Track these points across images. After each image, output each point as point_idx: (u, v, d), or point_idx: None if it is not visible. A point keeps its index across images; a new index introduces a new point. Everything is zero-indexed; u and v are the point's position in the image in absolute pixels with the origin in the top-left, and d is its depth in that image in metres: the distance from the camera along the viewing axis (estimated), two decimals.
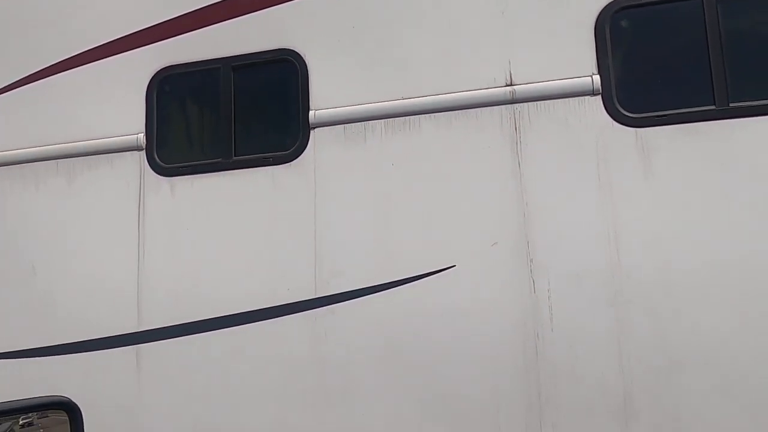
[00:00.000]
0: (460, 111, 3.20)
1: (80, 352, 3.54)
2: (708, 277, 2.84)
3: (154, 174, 3.55)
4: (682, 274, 2.87)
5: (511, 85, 3.17)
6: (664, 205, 2.93)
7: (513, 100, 3.15)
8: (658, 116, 3.00)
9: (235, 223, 3.41)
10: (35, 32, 3.81)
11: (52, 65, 3.75)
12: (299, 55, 3.40)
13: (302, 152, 3.35)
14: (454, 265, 3.12)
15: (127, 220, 3.54)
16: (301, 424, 3.18)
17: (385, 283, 3.20)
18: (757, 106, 2.88)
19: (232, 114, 3.48)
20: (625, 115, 3.03)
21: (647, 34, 3.15)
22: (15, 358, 3.63)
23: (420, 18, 3.32)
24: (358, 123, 3.32)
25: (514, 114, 3.15)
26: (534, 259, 3.04)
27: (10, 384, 3.52)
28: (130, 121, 3.60)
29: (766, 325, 2.79)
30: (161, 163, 3.56)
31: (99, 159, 3.62)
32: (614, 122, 3.03)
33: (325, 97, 3.36)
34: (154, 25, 3.61)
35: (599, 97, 3.06)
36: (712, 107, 2.93)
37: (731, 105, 2.91)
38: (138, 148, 3.59)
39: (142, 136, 3.58)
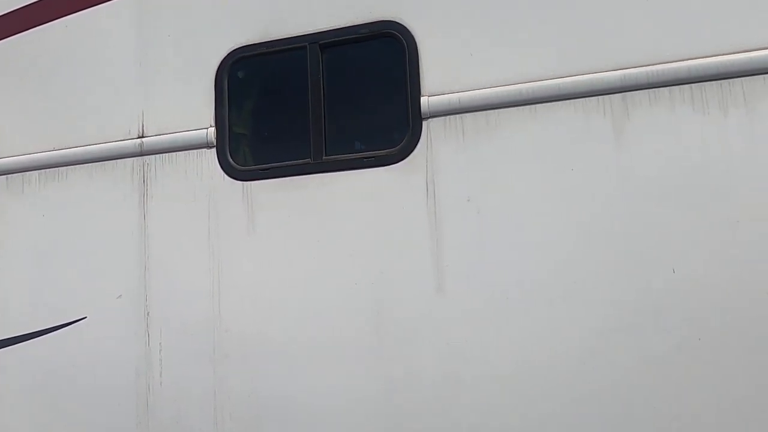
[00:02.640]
0: (99, 163, 3.24)
1: None
2: (299, 334, 2.83)
3: None
4: (278, 330, 2.86)
5: (141, 137, 3.19)
6: (264, 260, 2.91)
7: (142, 153, 3.17)
8: (261, 170, 2.98)
9: None
10: None
11: None
12: None
13: None
14: (86, 317, 3.18)
15: None
16: None
17: (35, 332, 3.28)
18: (348, 159, 2.84)
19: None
20: (234, 168, 3.02)
21: (260, 85, 3.12)
22: None
23: (72, 68, 3.36)
24: (18, 174, 3.40)
25: (143, 166, 3.17)
26: (150, 312, 3.07)
27: None
28: None
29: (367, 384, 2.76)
30: None
31: None
32: (225, 175, 3.02)
33: None
34: None
35: (214, 150, 3.05)
36: (309, 161, 2.90)
37: (325, 159, 2.87)
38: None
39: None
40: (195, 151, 3.07)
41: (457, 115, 2.70)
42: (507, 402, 2.54)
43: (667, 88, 2.46)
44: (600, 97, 2.52)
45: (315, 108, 2.90)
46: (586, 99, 2.54)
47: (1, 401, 3.29)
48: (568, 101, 2.56)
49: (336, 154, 2.86)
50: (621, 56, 2.52)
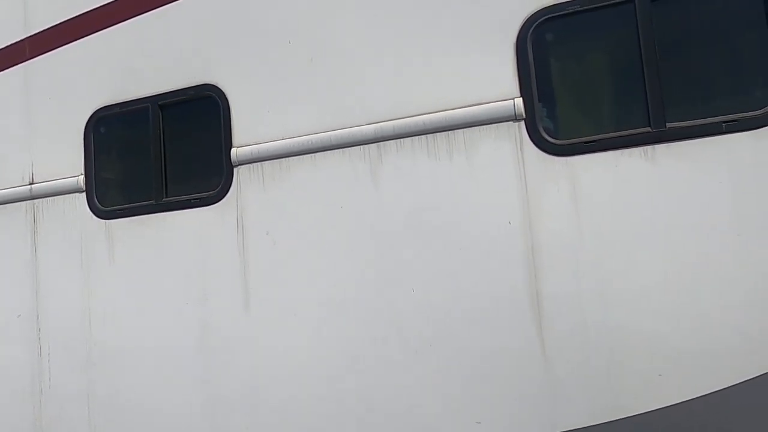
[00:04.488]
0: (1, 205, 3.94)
1: None
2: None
3: None
4: (129, 341, 3.50)
5: (31, 183, 3.86)
6: (120, 284, 3.55)
7: (32, 197, 3.84)
8: (119, 209, 3.61)
9: None
10: None
11: None
12: None
13: None
14: None
15: None
16: None
17: None
18: (180, 200, 3.44)
19: None
20: (100, 208, 3.65)
21: (116, 139, 3.74)
22: None
23: None
24: None
25: (34, 208, 3.84)
26: (41, 328, 3.75)
27: None
28: None
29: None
30: None
31: None
32: (93, 216, 3.65)
33: None
34: None
35: (84, 194, 3.69)
36: (152, 201, 3.51)
37: (164, 200, 3.48)
38: None
39: None
40: (70, 195, 3.72)
41: (258, 163, 3.27)
42: (304, 392, 3.11)
43: (409, 138, 2.97)
44: (361, 146, 3.05)
45: (157, 156, 3.52)
46: (351, 148, 3.07)
47: None
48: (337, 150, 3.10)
49: (172, 196, 3.47)
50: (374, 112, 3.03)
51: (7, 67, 3.97)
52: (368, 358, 2.97)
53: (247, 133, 3.30)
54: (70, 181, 3.72)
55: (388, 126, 3.00)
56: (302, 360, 3.11)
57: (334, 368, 3.04)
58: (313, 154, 3.14)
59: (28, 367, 3.75)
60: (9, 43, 3.96)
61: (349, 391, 2.99)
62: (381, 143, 3.01)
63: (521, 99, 2.79)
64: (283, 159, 3.20)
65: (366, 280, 2.99)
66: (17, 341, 3.80)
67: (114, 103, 3.63)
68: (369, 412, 2.94)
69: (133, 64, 3.59)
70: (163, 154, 3.51)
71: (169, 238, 3.44)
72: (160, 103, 3.51)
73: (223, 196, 3.32)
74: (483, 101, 2.85)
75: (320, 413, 3.05)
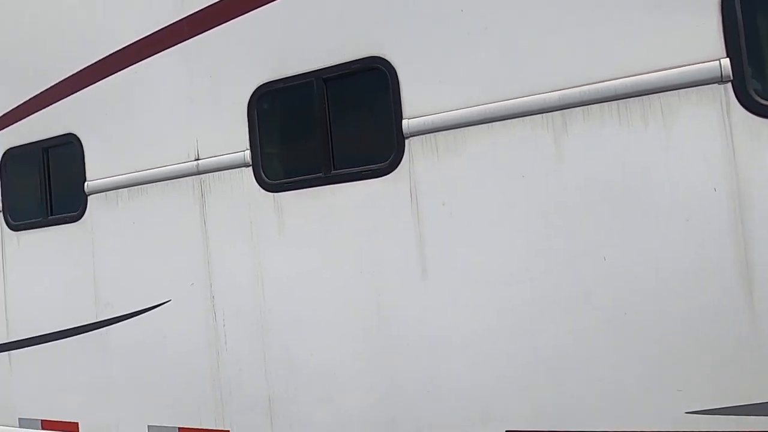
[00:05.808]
0: (168, 181, 4.15)
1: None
2: None
3: None
4: (304, 309, 3.68)
5: (197, 159, 4.03)
6: (291, 255, 3.70)
7: (199, 172, 4.02)
8: (287, 183, 3.73)
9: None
10: None
11: None
12: None
13: None
14: (170, 300, 4.16)
15: None
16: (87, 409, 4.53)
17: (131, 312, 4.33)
18: (350, 173, 3.52)
19: None
20: (267, 182, 3.78)
21: (280, 113, 3.83)
22: None
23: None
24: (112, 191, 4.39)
25: (201, 183, 4.02)
26: (214, 296, 3.98)
27: None
28: None
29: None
30: None
31: None
32: (261, 189, 3.80)
33: None
34: None
35: (251, 168, 3.83)
36: (321, 175, 3.60)
37: (334, 172, 3.57)
38: None
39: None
40: (236, 169, 3.88)
41: (432, 134, 3.29)
42: (485, 364, 3.19)
43: (598, 104, 2.90)
44: (543, 114, 3.01)
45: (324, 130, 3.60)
46: (532, 116, 3.04)
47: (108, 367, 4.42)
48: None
49: (340, 169, 3.56)
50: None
51: (167, 48, 4.13)
52: (557, 330, 3.00)
53: (418, 105, 3.31)
54: (237, 156, 3.87)
55: (574, 92, 2.94)
56: (483, 332, 3.17)
57: (520, 341, 3.09)
58: (490, 124, 3.13)
59: (203, 332, 4.02)
60: (167, 24, 4.10)
61: (535, 364, 3.04)
62: (566, 110, 2.96)
63: (728, 59, 2.67)
64: (459, 129, 3.21)
65: (553, 250, 3.00)
66: (192, 308, 4.06)
67: (277, 78, 3.73)
68: (559, 386, 2.99)
69: (295, 39, 3.66)
70: (329, 127, 3.58)
71: (339, 209, 3.54)
72: (324, 77, 3.58)
73: (395, 168, 3.37)
74: (683, 63, 2.75)
75: (501, 386, 3.12)
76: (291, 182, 3.72)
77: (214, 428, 4.00)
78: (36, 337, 4.80)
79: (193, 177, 4.05)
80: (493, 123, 3.12)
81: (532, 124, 3.03)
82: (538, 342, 3.05)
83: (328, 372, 3.57)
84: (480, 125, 3.15)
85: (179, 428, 4.16)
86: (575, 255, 2.95)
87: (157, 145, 4.20)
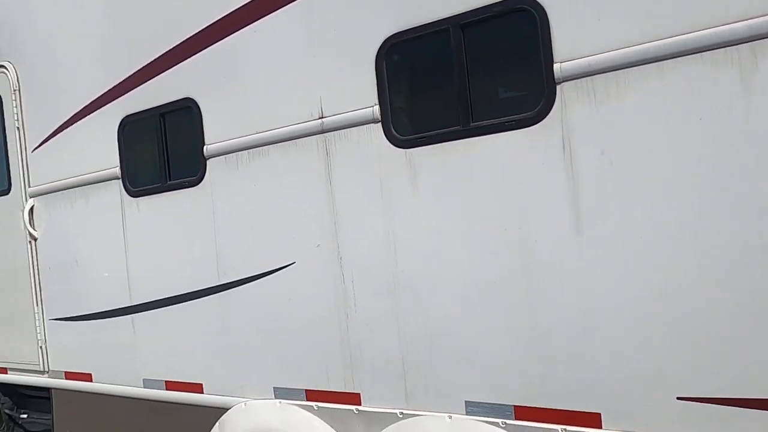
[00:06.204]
0: (291, 141, 4.06)
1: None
2: None
3: None
4: (441, 269, 3.52)
5: (322, 117, 3.92)
6: (427, 213, 3.54)
7: (323, 130, 3.91)
8: (419, 138, 3.55)
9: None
10: None
11: None
12: None
13: None
14: (294, 262, 4.11)
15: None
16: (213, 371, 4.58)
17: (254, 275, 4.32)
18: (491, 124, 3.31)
19: None
20: (398, 138, 3.62)
21: (412, 65, 3.63)
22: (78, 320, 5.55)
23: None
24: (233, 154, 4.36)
25: (326, 142, 3.92)
26: (342, 257, 3.89)
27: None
28: None
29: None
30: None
31: None
32: (391, 145, 3.65)
33: None
34: None
35: (380, 124, 3.68)
36: (459, 127, 3.41)
37: (473, 124, 3.36)
38: None
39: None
40: (364, 126, 3.75)
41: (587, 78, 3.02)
42: (642, 324, 2.96)
43: None
44: (726, 49, 2.69)
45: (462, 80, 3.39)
46: (711, 52, 2.72)
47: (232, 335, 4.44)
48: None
49: (480, 120, 3.35)
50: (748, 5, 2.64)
51: (287, 3, 4.02)
52: (729, 287, 2.72)
53: (571, 47, 3.04)
54: (364, 112, 3.74)
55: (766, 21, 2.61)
56: (647, 293, 2.93)
57: (693, 303, 2.83)
58: (658, 63, 2.84)
59: (331, 294, 3.95)
60: None
61: (709, 329, 2.78)
62: (756, 42, 2.64)
63: None
64: (620, 71, 2.94)
65: (730, 202, 2.71)
66: (318, 270, 4.00)
67: (408, 28, 3.53)
68: (736, 352, 2.72)
69: None
70: (467, 77, 3.37)
71: (481, 163, 3.35)
72: (462, 23, 3.37)
73: (545, 116, 3.13)
74: None
75: (671, 350, 2.88)
76: (424, 137, 3.55)
77: (344, 391, 3.96)
78: (158, 300, 4.91)
79: (318, 136, 3.95)
80: (663, 62, 2.82)
81: (712, 60, 2.72)
82: (713, 304, 2.78)
83: (470, 333, 3.42)
84: (645, 65, 2.85)
85: (306, 390, 4.15)
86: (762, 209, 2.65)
87: (278, 105, 4.12)
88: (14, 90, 5.89)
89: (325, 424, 4.03)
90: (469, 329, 3.44)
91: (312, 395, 4.11)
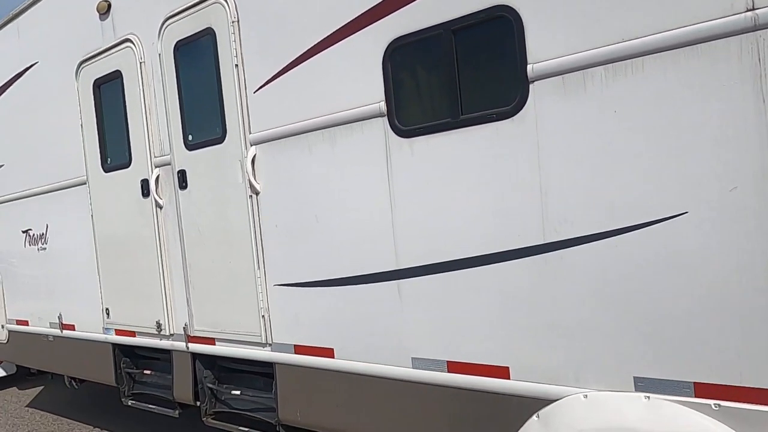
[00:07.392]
0: (688, 47, 2.98)
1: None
2: None
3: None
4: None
5: (752, 9, 2.81)
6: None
7: (755, 27, 2.80)
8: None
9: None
10: None
11: None
12: None
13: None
14: (686, 212, 3.06)
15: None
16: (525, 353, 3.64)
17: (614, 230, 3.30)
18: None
19: None
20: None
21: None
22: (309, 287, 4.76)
23: None
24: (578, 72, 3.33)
25: (758, 43, 2.81)
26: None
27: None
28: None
29: None
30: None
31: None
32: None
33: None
34: None
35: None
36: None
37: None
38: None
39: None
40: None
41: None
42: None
43: None
44: None
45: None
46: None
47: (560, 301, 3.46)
48: None
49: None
50: None
51: None
52: None
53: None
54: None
55: None
56: None
57: None
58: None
59: (732, 253, 2.88)
60: None
61: None
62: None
63: None
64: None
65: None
66: (722, 220, 2.94)
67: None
68: None
69: None
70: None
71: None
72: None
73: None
74: None
75: None
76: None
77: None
78: (440, 264, 3.96)
79: (743, 36, 2.86)
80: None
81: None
82: None
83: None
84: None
85: (695, 383, 3.12)
86: None
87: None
88: (232, 21, 5.07)
89: (730, 430, 3.00)
90: None
91: (706, 390, 3.08)
